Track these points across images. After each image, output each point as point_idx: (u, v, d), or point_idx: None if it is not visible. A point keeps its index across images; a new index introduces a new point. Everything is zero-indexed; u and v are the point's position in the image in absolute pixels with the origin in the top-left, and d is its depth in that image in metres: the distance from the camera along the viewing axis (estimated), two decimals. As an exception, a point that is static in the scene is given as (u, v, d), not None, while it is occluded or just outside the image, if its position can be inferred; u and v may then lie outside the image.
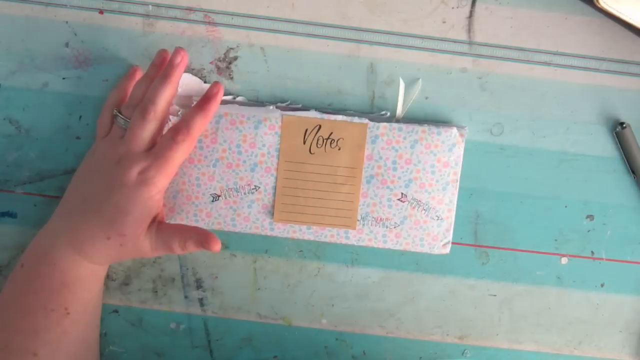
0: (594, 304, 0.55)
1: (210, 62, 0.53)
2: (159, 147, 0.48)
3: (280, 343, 0.56)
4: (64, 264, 0.48)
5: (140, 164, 0.47)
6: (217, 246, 0.48)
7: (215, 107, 0.49)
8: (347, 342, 0.56)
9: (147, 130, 0.48)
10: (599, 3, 0.48)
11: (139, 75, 0.51)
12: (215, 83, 0.49)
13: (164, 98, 0.48)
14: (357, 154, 0.52)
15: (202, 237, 0.49)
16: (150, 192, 0.47)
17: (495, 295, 0.55)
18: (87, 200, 0.48)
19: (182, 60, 0.48)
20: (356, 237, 0.54)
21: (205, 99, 0.49)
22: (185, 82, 0.52)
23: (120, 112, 0.49)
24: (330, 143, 0.52)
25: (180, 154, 0.48)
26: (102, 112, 0.51)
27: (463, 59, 0.53)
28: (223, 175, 0.53)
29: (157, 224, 0.49)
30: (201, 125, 0.48)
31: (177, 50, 0.48)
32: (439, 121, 0.53)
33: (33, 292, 0.47)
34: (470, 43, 0.53)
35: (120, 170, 0.47)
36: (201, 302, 0.55)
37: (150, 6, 0.52)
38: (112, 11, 0.52)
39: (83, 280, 0.49)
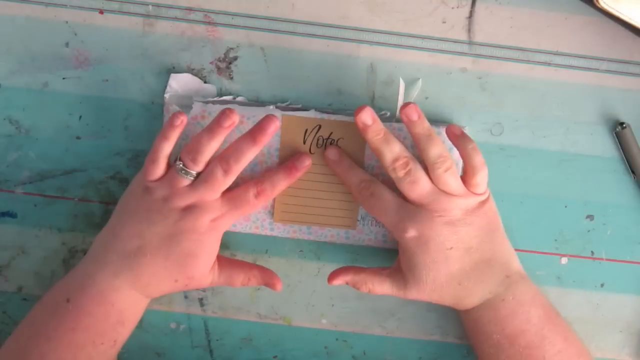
0: (594, 304, 0.55)
1: (210, 62, 0.53)
2: (238, 199, 0.49)
3: (280, 343, 0.56)
4: (124, 303, 0.48)
5: (214, 212, 0.48)
6: (279, 286, 0.51)
7: (299, 176, 0.51)
8: (347, 342, 0.56)
9: (225, 185, 0.48)
10: (599, 3, 0.48)
11: (184, 123, 0.48)
12: (306, 156, 0.51)
13: (248, 159, 0.48)
14: (357, 153, 0.52)
15: (266, 277, 0.51)
16: (219, 236, 0.49)
17: (495, 295, 0.55)
18: (150, 242, 0.47)
19: (275, 129, 0.48)
20: (356, 237, 0.54)
21: (294, 168, 0.50)
22: (185, 82, 0.52)
23: (185, 166, 0.47)
24: (330, 143, 0.52)
25: (257, 209, 0.50)
26: (154, 161, 0.48)
27: (463, 59, 0.53)
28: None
29: (217, 260, 0.50)
30: (284, 188, 0.50)
31: (272, 118, 0.48)
32: (439, 121, 0.53)
33: (83, 329, 0.47)
34: (470, 43, 0.53)
35: (191, 218, 0.47)
36: (201, 302, 0.55)
37: (150, 6, 0.52)
38: (112, 11, 0.52)
39: (138, 314, 0.50)
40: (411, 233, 0.47)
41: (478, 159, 0.47)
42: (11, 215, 0.54)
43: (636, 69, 0.53)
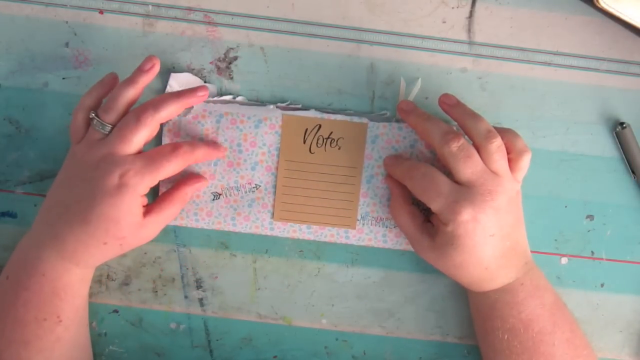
0: (593, 303, 0.55)
1: (210, 62, 0.53)
2: (156, 154, 0.46)
3: (280, 343, 0.56)
4: (54, 273, 0.47)
5: (124, 166, 0.45)
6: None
7: (217, 155, 0.52)
8: (347, 342, 0.56)
9: (140, 136, 0.46)
10: (599, 3, 0.48)
11: (116, 83, 0.49)
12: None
13: (169, 111, 0.47)
14: (357, 153, 0.52)
15: (185, 193, 0.51)
16: (133, 198, 0.45)
17: (495, 295, 0.55)
18: (70, 208, 0.46)
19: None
20: (356, 237, 0.54)
21: (215, 144, 0.51)
22: (186, 82, 0.52)
23: (97, 116, 0.46)
24: (330, 142, 0.52)
25: (171, 168, 0.47)
26: (74, 116, 0.48)
27: (463, 59, 0.53)
28: (224, 174, 0.53)
29: (145, 212, 0.48)
30: (206, 156, 0.50)
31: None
32: (439, 121, 0.53)
33: (22, 304, 0.46)
34: (470, 43, 0.53)
35: (99, 174, 0.45)
36: (201, 302, 0.55)
37: (150, 6, 0.52)
38: (112, 11, 0.52)
39: (74, 286, 0.48)
40: (465, 216, 0.45)
41: (522, 143, 0.48)
42: (11, 215, 0.54)
43: (636, 69, 0.53)
